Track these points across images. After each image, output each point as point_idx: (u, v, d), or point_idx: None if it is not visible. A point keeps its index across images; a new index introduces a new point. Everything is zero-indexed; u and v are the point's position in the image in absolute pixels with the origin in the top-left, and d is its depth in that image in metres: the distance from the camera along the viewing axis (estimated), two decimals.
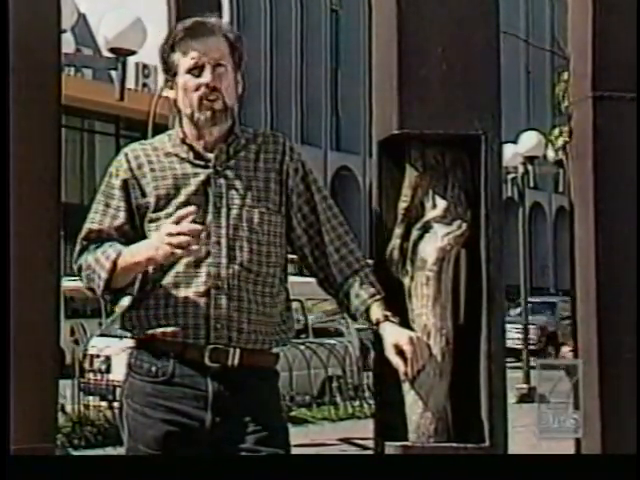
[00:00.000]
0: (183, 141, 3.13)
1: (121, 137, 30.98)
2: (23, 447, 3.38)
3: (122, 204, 3.12)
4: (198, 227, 2.92)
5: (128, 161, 3.14)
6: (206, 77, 3.07)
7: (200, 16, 3.16)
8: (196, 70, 3.08)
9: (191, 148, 3.12)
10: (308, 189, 3.21)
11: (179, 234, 2.89)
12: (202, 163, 3.10)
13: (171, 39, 3.13)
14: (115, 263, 3.03)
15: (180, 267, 3.04)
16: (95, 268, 3.07)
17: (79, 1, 12.36)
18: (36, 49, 3.79)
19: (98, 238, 3.12)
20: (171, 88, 3.15)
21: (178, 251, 2.91)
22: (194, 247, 2.92)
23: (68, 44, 11.74)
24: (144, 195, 3.11)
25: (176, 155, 3.13)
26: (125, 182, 3.12)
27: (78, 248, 3.15)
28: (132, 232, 3.12)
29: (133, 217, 3.12)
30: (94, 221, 3.14)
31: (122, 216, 3.12)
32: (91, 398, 13.27)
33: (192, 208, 2.95)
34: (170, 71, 3.14)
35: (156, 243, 2.95)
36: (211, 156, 3.11)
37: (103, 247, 3.09)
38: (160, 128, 4.51)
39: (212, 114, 3.07)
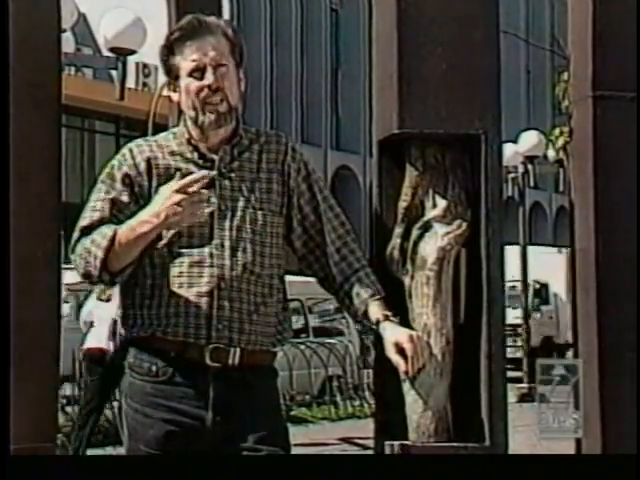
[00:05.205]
0: (189, 141, 3.11)
1: (121, 137, 30.92)
2: (23, 447, 3.38)
3: (124, 197, 3.06)
4: (205, 192, 2.90)
5: (133, 157, 3.09)
6: (208, 79, 3.03)
7: (196, 15, 3.11)
8: (198, 72, 3.04)
9: (196, 149, 3.10)
10: (310, 189, 3.19)
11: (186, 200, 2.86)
12: (207, 164, 3.08)
13: (169, 41, 3.09)
14: (113, 240, 2.96)
15: (184, 267, 3.03)
16: (91, 249, 2.99)
17: (79, 1, 12.35)
18: (36, 49, 3.79)
19: (98, 225, 3.04)
20: (174, 91, 3.11)
21: (188, 219, 2.89)
22: (204, 211, 2.91)
23: (68, 44, 11.75)
24: (147, 192, 3.07)
25: (181, 154, 3.10)
26: (128, 177, 3.07)
27: (76, 235, 3.06)
28: None
29: (131, 213, 3.08)
30: (95, 209, 3.06)
31: (123, 207, 3.05)
32: None
33: (200, 174, 2.92)
34: (171, 74, 3.09)
35: (160, 210, 2.91)
36: (215, 157, 3.09)
37: (100, 229, 3.01)
38: (160, 128, 4.50)
39: (217, 116, 3.05)
